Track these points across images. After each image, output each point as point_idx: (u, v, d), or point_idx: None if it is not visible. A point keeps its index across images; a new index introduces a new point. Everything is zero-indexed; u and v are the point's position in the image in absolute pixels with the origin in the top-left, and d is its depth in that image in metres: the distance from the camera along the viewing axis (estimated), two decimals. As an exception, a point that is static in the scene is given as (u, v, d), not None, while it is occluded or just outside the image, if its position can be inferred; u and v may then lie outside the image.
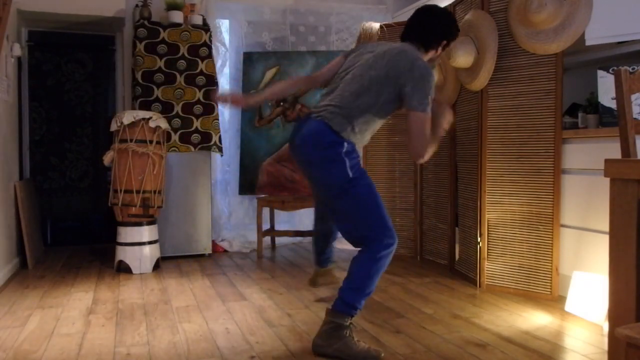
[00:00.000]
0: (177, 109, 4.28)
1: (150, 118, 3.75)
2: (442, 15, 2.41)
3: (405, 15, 4.79)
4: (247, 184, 4.62)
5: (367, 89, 2.23)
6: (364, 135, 2.33)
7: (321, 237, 2.82)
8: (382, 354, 2.16)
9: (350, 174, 2.26)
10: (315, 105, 2.38)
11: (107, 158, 3.76)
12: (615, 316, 1.53)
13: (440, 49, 2.41)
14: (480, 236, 3.24)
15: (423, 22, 2.39)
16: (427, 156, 2.27)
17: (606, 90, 2.79)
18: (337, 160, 2.22)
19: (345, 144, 2.23)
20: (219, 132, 4.37)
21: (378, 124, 2.35)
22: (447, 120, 2.36)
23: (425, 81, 2.19)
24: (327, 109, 2.26)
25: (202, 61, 4.36)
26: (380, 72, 2.23)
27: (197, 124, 4.30)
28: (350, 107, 2.23)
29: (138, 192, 3.70)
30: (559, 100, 2.93)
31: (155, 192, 3.79)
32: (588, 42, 2.82)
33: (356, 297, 2.21)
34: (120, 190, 3.69)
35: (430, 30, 2.37)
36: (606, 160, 1.56)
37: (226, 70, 4.89)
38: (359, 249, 2.37)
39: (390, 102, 2.25)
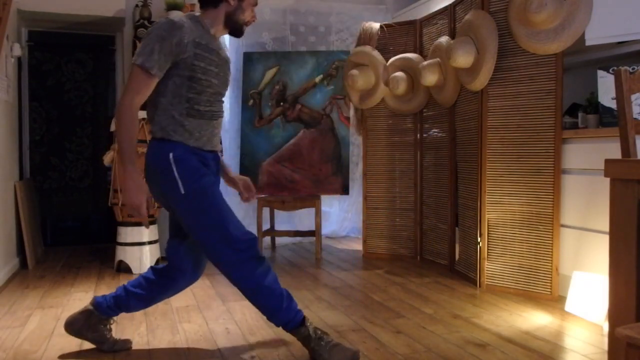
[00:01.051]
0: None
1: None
2: None
3: (405, 15, 4.80)
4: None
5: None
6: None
7: None
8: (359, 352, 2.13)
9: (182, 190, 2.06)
10: None
11: (107, 158, 3.76)
12: (615, 316, 1.53)
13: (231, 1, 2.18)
14: (480, 236, 3.24)
15: None
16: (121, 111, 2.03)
17: (606, 90, 2.79)
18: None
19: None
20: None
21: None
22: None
23: (147, 35, 2.06)
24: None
25: (202, 61, 4.35)
26: None
27: (197, 124, 4.29)
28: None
29: (138, 192, 3.69)
30: (559, 100, 2.93)
31: (155, 192, 3.78)
32: (588, 42, 2.82)
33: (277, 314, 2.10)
34: (121, 190, 3.69)
35: None
36: (606, 160, 1.56)
37: (226, 70, 4.88)
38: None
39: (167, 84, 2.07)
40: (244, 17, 2.29)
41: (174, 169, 2.06)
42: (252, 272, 2.07)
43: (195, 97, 2.11)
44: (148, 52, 2.02)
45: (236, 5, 2.23)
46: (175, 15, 2.24)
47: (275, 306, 2.08)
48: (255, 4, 2.35)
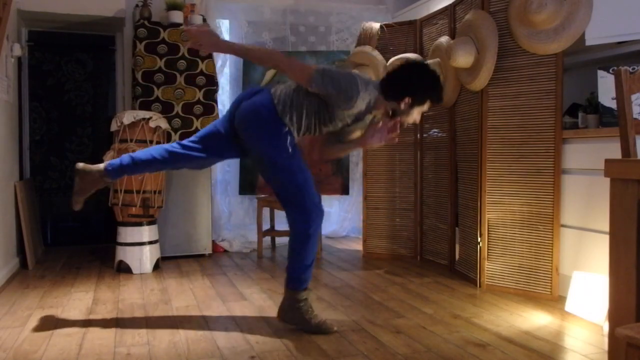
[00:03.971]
0: (177, 109, 4.28)
1: (150, 118, 3.75)
2: (423, 72, 2.46)
3: (405, 15, 4.80)
4: (247, 184, 4.62)
5: None
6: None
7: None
8: (335, 329, 2.47)
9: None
10: None
11: (107, 158, 3.76)
12: (615, 316, 1.53)
13: (402, 104, 2.42)
14: (480, 236, 3.24)
15: (402, 73, 2.46)
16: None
17: (606, 90, 2.79)
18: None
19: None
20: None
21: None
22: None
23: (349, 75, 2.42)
24: None
25: (202, 61, 4.36)
26: None
27: (197, 124, 4.30)
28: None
29: (138, 192, 3.70)
30: (559, 100, 2.93)
31: (155, 192, 3.79)
32: (588, 42, 2.82)
33: (302, 271, 2.51)
34: (120, 190, 3.69)
35: (398, 79, 2.45)
36: (606, 160, 1.56)
37: (226, 70, 4.89)
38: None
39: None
40: (406, 119, 2.51)
41: None
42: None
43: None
44: (330, 77, 2.36)
45: (406, 109, 2.46)
46: (368, 77, 2.63)
47: (308, 264, 2.51)
48: (424, 110, 2.56)
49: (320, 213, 2.58)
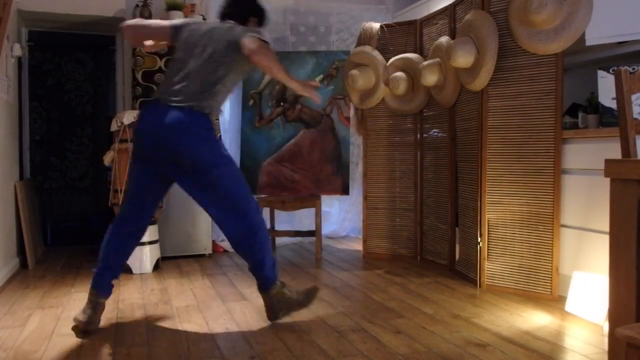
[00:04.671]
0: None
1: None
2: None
3: (405, 15, 4.80)
4: (247, 184, 4.61)
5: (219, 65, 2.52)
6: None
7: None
8: (318, 290, 2.69)
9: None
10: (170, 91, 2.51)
11: (108, 158, 3.76)
12: (615, 316, 1.53)
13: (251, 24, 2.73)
14: (480, 236, 3.24)
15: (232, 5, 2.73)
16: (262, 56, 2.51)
17: (606, 90, 2.79)
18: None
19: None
20: (219, 132, 4.37)
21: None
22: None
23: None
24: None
25: (202, 61, 4.35)
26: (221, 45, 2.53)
27: (197, 124, 4.29)
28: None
29: (138, 192, 3.69)
30: (559, 100, 2.93)
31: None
32: (588, 42, 2.82)
33: (270, 268, 2.60)
34: (120, 190, 3.69)
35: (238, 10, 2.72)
36: (606, 160, 1.56)
37: (226, 70, 4.88)
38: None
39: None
40: None
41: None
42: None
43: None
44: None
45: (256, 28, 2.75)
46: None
47: (271, 261, 2.61)
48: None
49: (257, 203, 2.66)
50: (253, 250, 2.55)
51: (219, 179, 2.49)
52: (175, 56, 2.62)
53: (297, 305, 2.60)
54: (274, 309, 2.59)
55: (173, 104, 2.44)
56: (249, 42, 2.45)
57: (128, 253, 2.65)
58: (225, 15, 2.73)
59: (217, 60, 2.51)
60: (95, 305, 2.51)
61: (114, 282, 2.61)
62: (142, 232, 2.68)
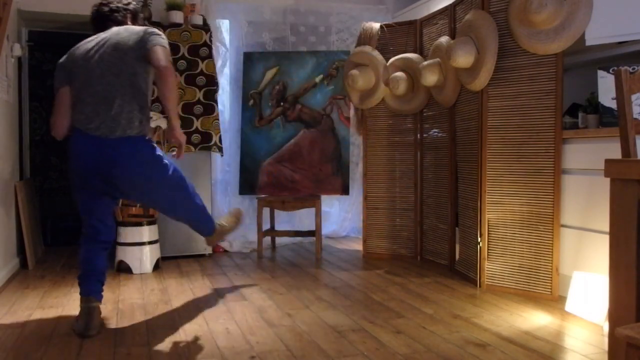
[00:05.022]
0: (177, 109, 4.27)
1: (150, 118, 3.74)
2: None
3: (405, 15, 4.80)
4: (247, 184, 4.62)
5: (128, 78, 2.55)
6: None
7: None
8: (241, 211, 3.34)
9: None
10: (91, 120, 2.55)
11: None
12: (615, 316, 1.53)
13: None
14: (480, 236, 3.24)
15: (110, 12, 2.73)
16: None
17: (606, 90, 2.79)
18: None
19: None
20: (219, 132, 4.37)
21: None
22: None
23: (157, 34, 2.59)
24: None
25: (203, 61, 4.36)
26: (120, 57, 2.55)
27: (197, 124, 4.30)
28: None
29: (138, 192, 3.69)
30: (559, 100, 2.93)
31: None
32: (588, 42, 2.82)
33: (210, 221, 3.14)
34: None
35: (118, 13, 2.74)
36: (606, 160, 1.56)
37: (226, 70, 4.89)
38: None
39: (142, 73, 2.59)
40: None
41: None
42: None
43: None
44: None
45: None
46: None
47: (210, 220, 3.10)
48: None
49: None
50: (198, 219, 3.01)
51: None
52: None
53: (233, 226, 3.22)
54: (215, 238, 3.20)
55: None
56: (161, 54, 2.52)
57: (102, 258, 2.69)
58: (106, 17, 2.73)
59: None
60: (88, 310, 2.51)
61: (102, 286, 2.65)
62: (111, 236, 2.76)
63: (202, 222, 3.04)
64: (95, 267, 2.62)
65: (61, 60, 2.67)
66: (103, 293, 2.65)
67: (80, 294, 2.58)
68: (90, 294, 2.57)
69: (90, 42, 2.63)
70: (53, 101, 2.69)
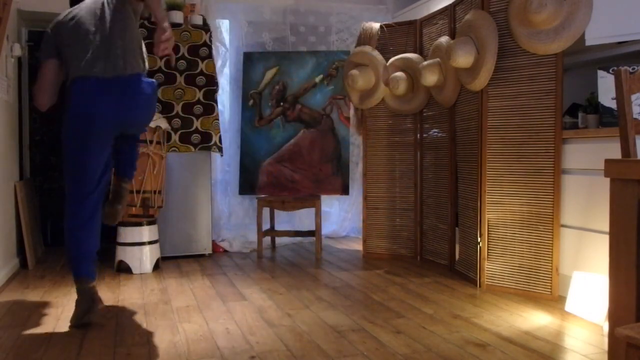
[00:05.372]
0: (177, 109, 4.28)
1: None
2: None
3: (405, 15, 4.80)
4: (247, 184, 4.62)
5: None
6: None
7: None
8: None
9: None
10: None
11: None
12: (615, 316, 1.53)
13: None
14: (480, 236, 3.24)
15: None
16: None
17: (606, 90, 2.79)
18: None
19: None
20: (219, 132, 4.38)
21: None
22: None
23: None
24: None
25: (202, 61, 4.36)
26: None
27: (197, 124, 4.30)
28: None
29: (138, 192, 3.70)
30: (559, 100, 2.93)
31: (155, 192, 3.79)
32: (588, 42, 2.82)
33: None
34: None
35: None
36: (606, 160, 1.56)
37: (226, 70, 4.89)
38: None
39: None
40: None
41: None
42: None
43: None
44: None
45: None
46: None
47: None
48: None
49: None
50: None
51: None
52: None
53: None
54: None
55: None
56: None
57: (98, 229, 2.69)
58: None
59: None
60: (89, 292, 2.53)
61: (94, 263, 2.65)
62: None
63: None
64: (89, 247, 2.61)
65: (48, 31, 2.65)
66: (102, 294, 2.65)
67: (77, 275, 2.55)
68: (89, 275, 2.57)
69: (72, 11, 2.64)
70: (55, 101, 2.69)
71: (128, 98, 2.53)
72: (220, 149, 4.37)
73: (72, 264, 2.60)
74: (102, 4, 2.59)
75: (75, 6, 2.67)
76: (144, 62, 2.67)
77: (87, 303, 2.51)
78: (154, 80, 2.71)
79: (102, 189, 2.67)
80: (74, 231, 2.60)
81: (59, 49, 2.60)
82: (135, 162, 2.97)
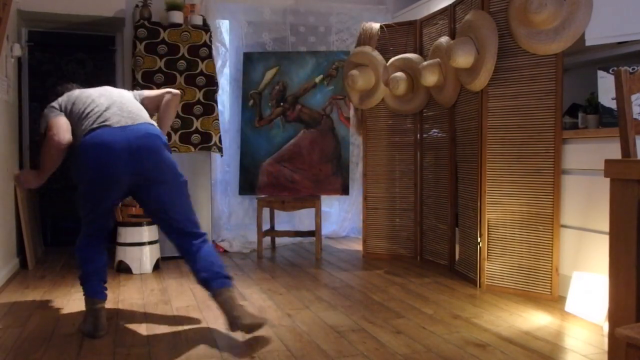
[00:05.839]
0: (177, 109, 4.28)
1: None
2: None
3: (405, 15, 4.80)
4: (247, 184, 4.62)
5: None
6: None
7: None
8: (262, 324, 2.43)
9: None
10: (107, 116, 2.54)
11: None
12: (615, 316, 1.53)
13: None
14: (480, 236, 3.24)
15: None
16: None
17: (606, 90, 2.79)
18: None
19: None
20: (219, 132, 4.38)
21: None
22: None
23: None
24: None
25: (202, 61, 4.36)
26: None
27: (197, 124, 4.30)
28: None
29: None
30: (559, 101, 2.93)
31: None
32: (588, 42, 2.82)
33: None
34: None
35: None
36: (606, 161, 1.56)
37: (226, 70, 4.90)
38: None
39: None
40: None
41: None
42: None
43: None
44: None
45: None
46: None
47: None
48: None
49: None
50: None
51: None
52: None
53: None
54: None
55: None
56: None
57: (104, 255, 2.67)
58: None
59: None
60: (95, 312, 2.50)
61: (105, 284, 2.62)
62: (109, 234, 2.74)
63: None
64: (97, 266, 2.60)
65: (53, 104, 2.76)
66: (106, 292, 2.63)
67: (86, 295, 2.56)
68: (96, 296, 2.55)
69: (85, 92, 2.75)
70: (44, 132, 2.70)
71: (138, 145, 2.44)
72: (220, 149, 4.37)
73: (82, 280, 2.59)
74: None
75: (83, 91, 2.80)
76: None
77: (89, 327, 2.45)
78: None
79: (110, 226, 2.72)
80: (85, 246, 2.64)
81: (69, 110, 2.73)
82: (218, 260, 2.57)
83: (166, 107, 2.77)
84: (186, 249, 2.55)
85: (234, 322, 2.32)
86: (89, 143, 2.42)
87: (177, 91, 2.81)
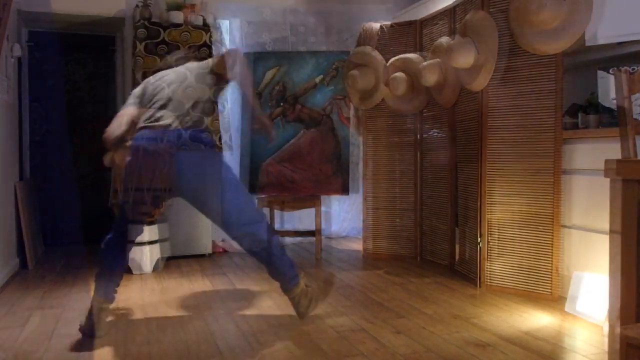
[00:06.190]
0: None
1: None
2: None
3: (405, 15, 4.80)
4: (247, 184, 4.62)
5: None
6: None
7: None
8: (334, 277, 2.93)
9: None
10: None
11: (107, 158, 3.75)
12: (615, 316, 1.53)
13: None
14: (480, 236, 3.24)
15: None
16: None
17: (606, 90, 2.79)
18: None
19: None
20: (219, 132, 4.37)
21: None
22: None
23: None
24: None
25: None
26: None
27: (197, 124, 4.29)
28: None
29: (148, 189, 3.67)
30: (559, 101, 2.93)
31: (165, 190, 3.78)
32: (588, 43, 2.82)
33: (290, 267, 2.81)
34: (120, 190, 3.68)
35: None
36: (606, 161, 1.56)
37: (226, 70, 4.88)
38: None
39: None
40: None
41: None
42: None
43: None
44: None
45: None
46: None
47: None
48: None
49: None
50: None
51: None
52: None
53: (318, 298, 2.74)
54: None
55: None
56: None
57: (125, 257, 2.67)
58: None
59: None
60: (100, 312, 2.48)
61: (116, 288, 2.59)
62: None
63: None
64: (114, 269, 2.57)
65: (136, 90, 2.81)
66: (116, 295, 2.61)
67: (96, 294, 2.51)
68: (108, 297, 2.52)
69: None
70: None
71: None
72: (219, 149, 4.37)
73: (97, 278, 2.56)
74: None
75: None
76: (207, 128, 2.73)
77: (89, 327, 2.44)
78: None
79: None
80: (107, 247, 2.61)
81: (144, 100, 2.83)
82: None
83: None
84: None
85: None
86: None
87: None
